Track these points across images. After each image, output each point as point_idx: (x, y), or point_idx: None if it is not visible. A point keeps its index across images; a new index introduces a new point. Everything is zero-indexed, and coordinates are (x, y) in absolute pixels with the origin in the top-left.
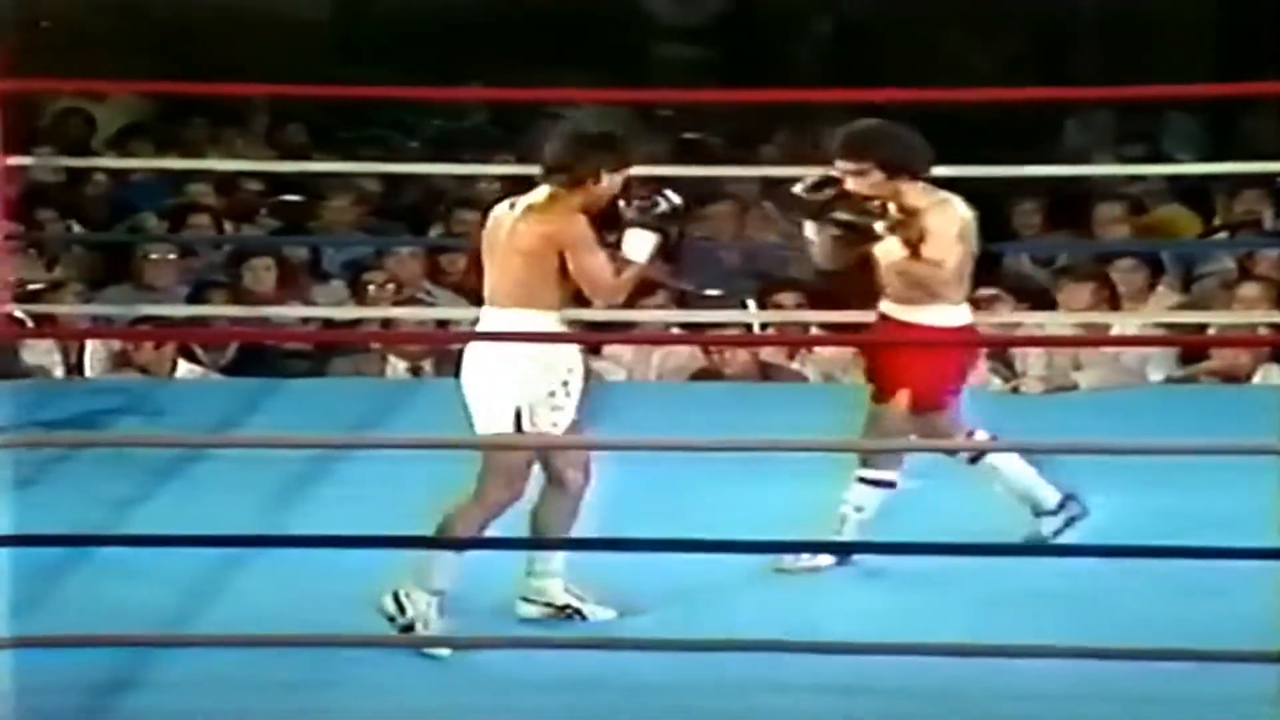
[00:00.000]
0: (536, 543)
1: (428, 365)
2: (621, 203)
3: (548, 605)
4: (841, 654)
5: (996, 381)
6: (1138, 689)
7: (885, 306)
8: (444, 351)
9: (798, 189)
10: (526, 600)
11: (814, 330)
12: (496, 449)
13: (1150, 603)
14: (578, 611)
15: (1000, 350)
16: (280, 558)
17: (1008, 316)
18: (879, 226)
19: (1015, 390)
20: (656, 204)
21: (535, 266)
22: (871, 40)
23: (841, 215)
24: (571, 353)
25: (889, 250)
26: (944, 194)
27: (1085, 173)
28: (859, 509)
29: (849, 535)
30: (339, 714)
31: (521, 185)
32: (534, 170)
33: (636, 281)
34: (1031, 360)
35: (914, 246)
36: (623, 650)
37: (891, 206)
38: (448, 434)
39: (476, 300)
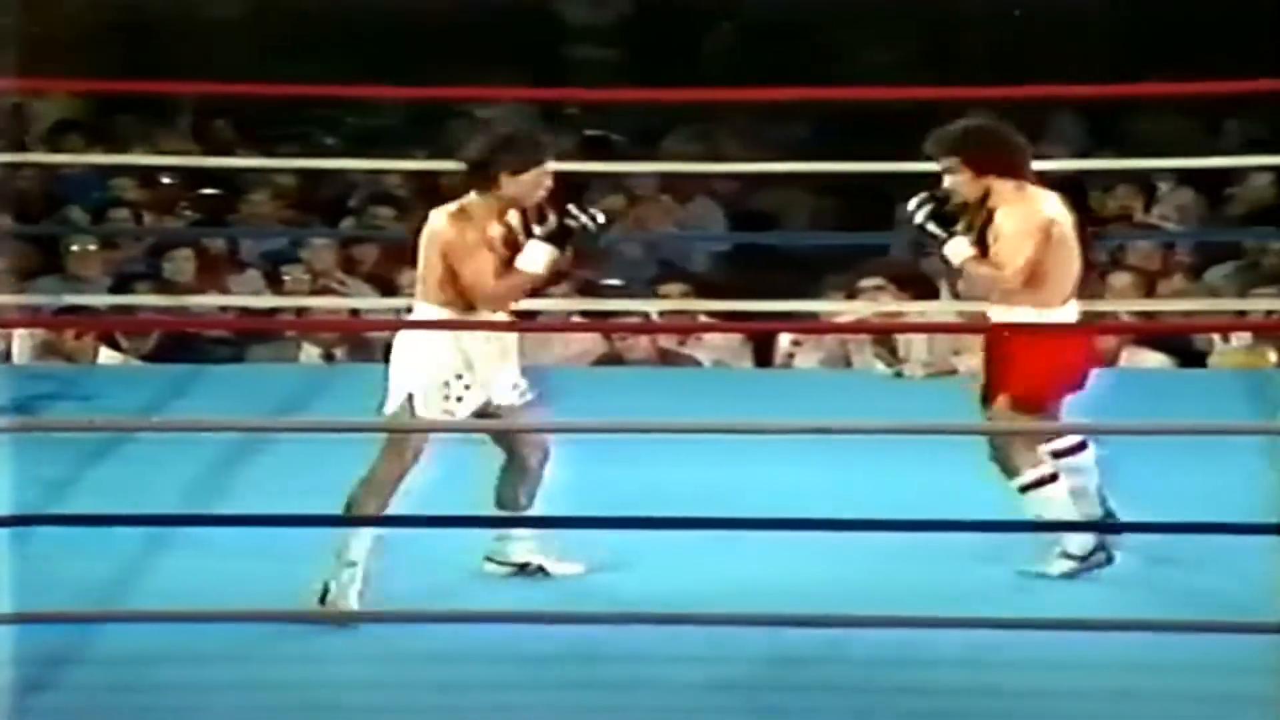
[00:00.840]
0: (458, 520)
1: (340, 352)
2: (545, 208)
3: (511, 564)
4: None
5: (880, 366)
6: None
7: (988, 307)
8: (357, 339)
9: (911, 208)
10: (490, 560)
11: (701, 319)
12: (400, 431)
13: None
14: (540, 568)
15: (884, 336)
16: (208, 536)
17: (891, 305)
18: (960, 226)
19: (899, 375)
20: (567, 223)
21: (430, 264)
22: (775, 39)
23: (924, 219)
24: (475, 350)
25: (956, 251)
26: (1035, 192)
27: None
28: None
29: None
30: (274, 688)
31: (434, 180)
32: (447, 166)
33: (521, 290)
34: (915, 345)
35: (987, 247)
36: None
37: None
38: (363, 418)
39: (387, 290)
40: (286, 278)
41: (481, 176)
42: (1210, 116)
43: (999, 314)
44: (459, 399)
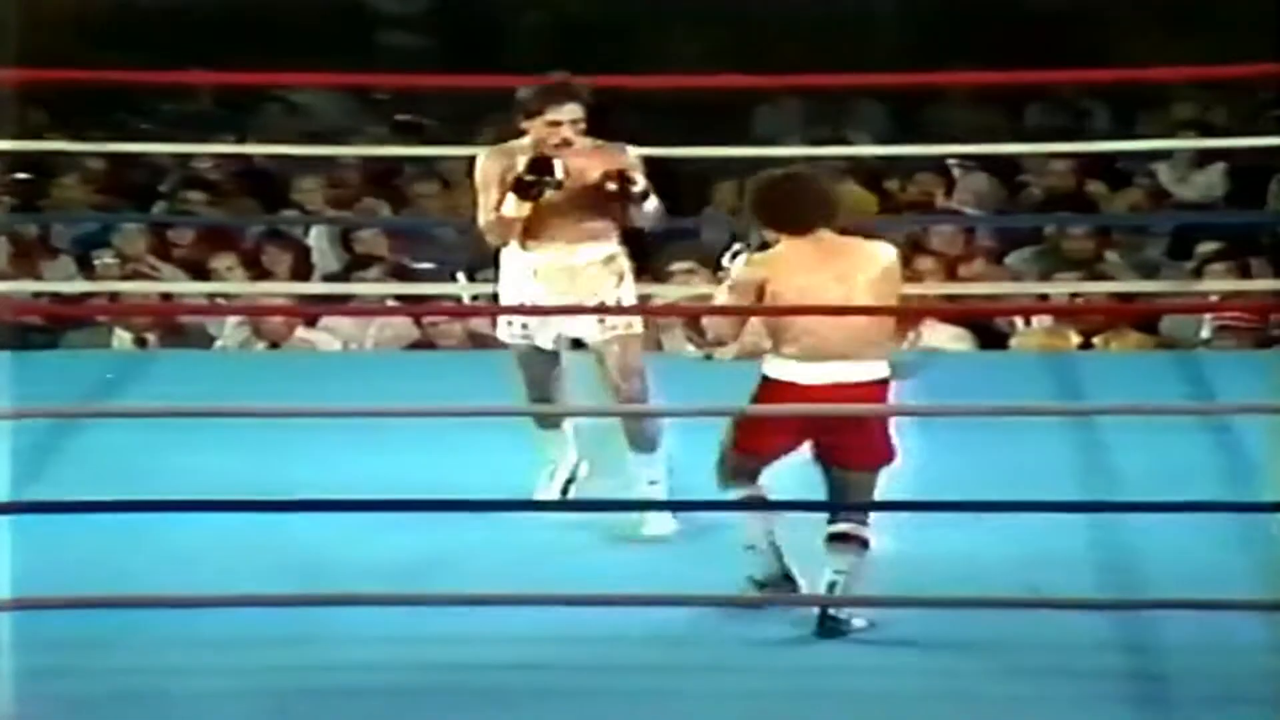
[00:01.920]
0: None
1: (153, 337)
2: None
3: None
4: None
5: (690, 348)
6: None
7: None
8: (170, 324)
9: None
10: None
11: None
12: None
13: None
14: None
15: (694, 319)
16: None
17: (704, 288)
18: None
19: (708, 357)
20: (528, 177)
21: None
22: (585, 29)
23: None
24: (530, 292)
25: None
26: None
27: (774, 154)
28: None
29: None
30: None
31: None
32: (259, 150)
33: (507, 228)
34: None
35: None
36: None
37: None
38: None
39: (200, 274)
40: (98, 263)
41: (516, 119)
42: (1011, 104)
43: None
44: (524, 332)
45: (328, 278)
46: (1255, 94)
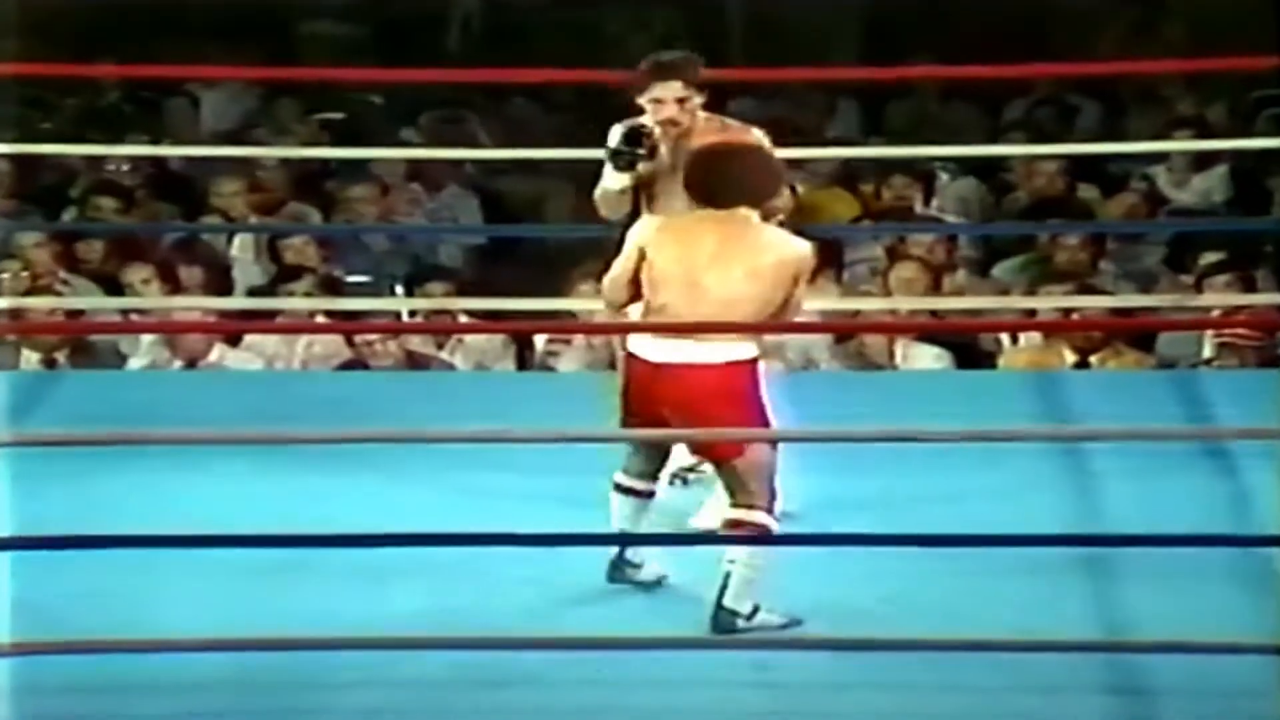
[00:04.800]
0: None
1: (62, 357)
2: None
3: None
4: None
5: None
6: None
7: None
8: (81, 343)
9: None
10: None
11: (462, 319)
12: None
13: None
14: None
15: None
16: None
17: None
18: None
19: None
20: (624, 146)
21: None
22: (526, 20)
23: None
24: None
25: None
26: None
27: None
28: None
29: None
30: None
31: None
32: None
33: (610, 201)
34: None
35: None
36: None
37: None
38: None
39: (113, 289)
40: (2, 275)
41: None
42: (991, 103)
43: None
44: None
45: (252, 291)
46: (1252, 90)
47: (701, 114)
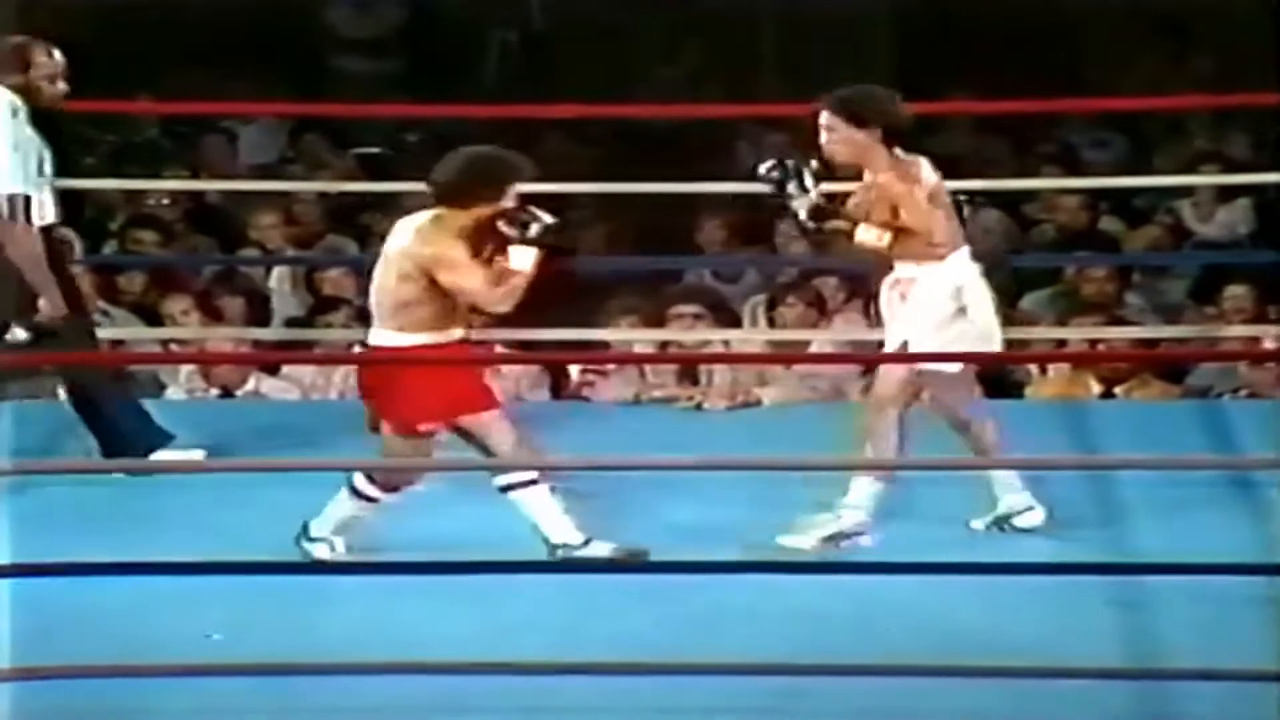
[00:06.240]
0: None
1: None
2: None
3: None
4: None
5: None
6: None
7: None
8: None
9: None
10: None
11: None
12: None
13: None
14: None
15: (690, 365)
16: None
17: (701, 334)
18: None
19: (699, 407)
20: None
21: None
22: (556, 52)
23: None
24: None
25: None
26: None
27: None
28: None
29: None
30: None
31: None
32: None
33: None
34: (716, 376)
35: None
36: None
37: None
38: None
39: (152, 320)
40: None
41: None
42: (1018, 135)
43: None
44: None
45: (289, 321)
46: (1276, 123)
47: (882, 150)
